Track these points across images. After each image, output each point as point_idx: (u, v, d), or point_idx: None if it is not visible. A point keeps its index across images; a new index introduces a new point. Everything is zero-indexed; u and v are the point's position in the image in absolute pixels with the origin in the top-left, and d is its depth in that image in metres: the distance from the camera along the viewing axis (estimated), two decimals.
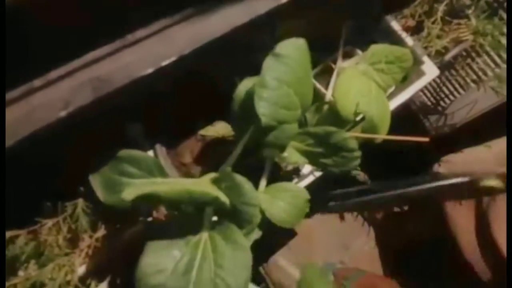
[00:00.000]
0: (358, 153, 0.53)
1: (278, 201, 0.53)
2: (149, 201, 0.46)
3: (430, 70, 0.70)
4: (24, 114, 0.35)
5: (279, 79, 0.46)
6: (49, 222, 0.51)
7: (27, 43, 0.37)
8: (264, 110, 0.45)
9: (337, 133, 0.51)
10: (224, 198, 0.46)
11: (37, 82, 0.36)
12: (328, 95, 0.69)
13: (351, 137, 0.52)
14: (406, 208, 1.16)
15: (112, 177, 0.52)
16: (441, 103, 1.00)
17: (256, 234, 0.51)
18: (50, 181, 0.49)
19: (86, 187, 0.53)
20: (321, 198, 1.09)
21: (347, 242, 1.23)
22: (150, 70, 0.40)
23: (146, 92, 0.46)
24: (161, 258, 0.46)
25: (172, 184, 0.47)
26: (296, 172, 0.63)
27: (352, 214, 1.22)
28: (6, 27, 0.34)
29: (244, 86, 0.49)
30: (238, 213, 0.47)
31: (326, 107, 0.67)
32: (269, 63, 0.46)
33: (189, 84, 0.53)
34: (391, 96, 0.72)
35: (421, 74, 0.70)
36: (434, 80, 0.99)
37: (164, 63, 0.41)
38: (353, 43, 0.75)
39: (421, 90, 1.03)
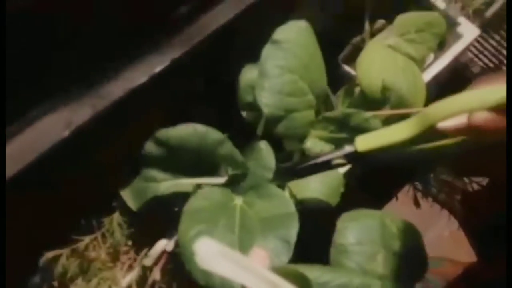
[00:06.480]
0: None
1: (308, 183, 0.51)
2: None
3: (468, 31, 0.62)
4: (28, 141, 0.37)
5: (281, 66, 0.44)
6: (87, 239, 0.53)
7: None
8: (267, 100, 0.43)
9: (356, 114, 0.47)
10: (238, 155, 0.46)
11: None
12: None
13: (373, 117, 0.48)
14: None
15: (140, 185, 0.53)
16: (503, 67, 0.90)
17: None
18: (84, 199, 0.51)
19: (120, 201, 0.55)
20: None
21: (422, 229, 1.16)
22: (144, 79, 0.40)
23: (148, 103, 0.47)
24: (198, 222, 0.45)
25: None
26: None
27: (427, 200, 1.16)
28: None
29: (246, 75, 0.47)
30: (258, 178, 0.47)
31: (358, 90, 0.63)
32: (268, 51, 0.44)
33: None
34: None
35: (458, 36, 0.63)
36: (489, 43, 0.89)
37: (158, 69, 0.41)
38: (384, 17, 0.70)
39: (477, 56, 0.93)
